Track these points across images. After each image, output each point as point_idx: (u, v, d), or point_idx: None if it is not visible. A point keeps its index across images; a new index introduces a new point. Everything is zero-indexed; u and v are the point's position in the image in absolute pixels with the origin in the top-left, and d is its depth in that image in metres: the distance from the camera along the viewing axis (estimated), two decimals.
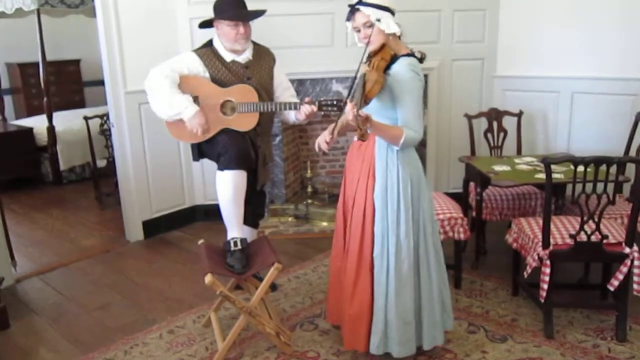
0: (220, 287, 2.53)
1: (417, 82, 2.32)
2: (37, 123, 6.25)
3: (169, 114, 2.88)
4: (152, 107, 2.93)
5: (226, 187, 2.81)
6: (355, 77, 2.29)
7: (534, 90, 4.44)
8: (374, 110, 2.33)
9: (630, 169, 3.22)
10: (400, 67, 2.31)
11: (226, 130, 2.90)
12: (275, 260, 2.60)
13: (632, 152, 3.57)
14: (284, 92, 3.13)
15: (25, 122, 6.54)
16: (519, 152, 4.16)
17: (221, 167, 2.83)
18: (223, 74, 2.94)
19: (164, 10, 4.19)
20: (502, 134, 4.12)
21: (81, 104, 7.70)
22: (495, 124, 4.12)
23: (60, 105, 7.01)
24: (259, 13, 2.96)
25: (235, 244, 2.77)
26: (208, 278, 2.47)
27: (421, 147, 4.49)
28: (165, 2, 4.19)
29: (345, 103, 2.29)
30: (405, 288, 2.42)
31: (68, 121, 6.34)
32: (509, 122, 4.15)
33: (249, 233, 3.16)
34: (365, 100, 2.15)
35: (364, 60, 2.33)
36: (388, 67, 2.32)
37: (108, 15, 3.92)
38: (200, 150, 3.06)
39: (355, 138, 2.56)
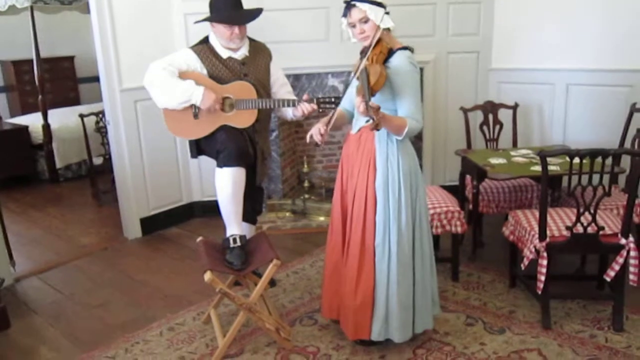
0: (220, 284, 2.54)
1: (416, 74, 2.41)
2: (33, 121, 6.23)
3: (176, 103, 2.85)
4: (157, 102, 2.90)
5: (225, 184, 2.81)
6: (355, 73, 2.35)
7: (529, 83, 4.44)
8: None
9: (626, 159, 3.25)
10: (400, 60, 2.37)
11: (225, 127, 2.90)
12: (274, 256, 2.61)
13: (627, 143, 3.58)
14: (280, 88, 3.14)
15: (20, 120, 6.50)
16: (514, 144, 4.18)
17: (220, 165, 2.83)
18: (220, 70, 2.94)
19: (158, 6, 4.17)
20: (497, 127, 4.13)
21: (76, 101, 7.66)
22: (491, 117, 4.12)
23: (55, 102, 6.97)
24: (254, 15, 2.95)
25: (235, 240, 2.78)
26: (207, 275, 2.48)
27: (417, 141, 4.50)
28: None
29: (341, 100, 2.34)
30: (406, 275, 2.49)
31: (63, 118, 6.31)
32: (504, 115, 4.15)
33: (247, 229, 3.18)
34: (371, 93, 2.19)
35: (361, 55, 2.39)
36: (385, 60, 2.37)
37: (102, 12, 3.90)
38: (198, 147, 3.06)
39: (352, 131, 2.58)
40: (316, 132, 2.45)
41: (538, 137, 4.52)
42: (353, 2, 2.36)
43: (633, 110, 3.63)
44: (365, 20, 2.35)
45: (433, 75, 4.52)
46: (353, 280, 2.51)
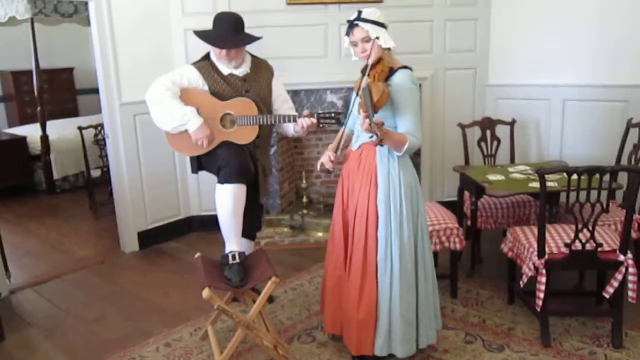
0: (218, 301, 2.52)
1: (417, 93, 2.46)
2: (31, 132, 6.23)
3: (172, 126, 2.86)
4: (155, 120, 2.91)
5: (226, 201, 2.81)
6: (357, 91, 2.41)
7: (526, 99, 4.47)
8: None
9: (623, 175, 3.26)
10: (402, 79, 2.41)
11: (226, 143, 2.90)
12: (273, 274, 2.60)
13: (624, 159, 3.60)
14: (282, 104, 3.14)
15: (19, 130, 6.51)
16: (512, 160, 4.19)
17: (222, 181, 2.83)
18: (222, 87, 2.95)
19: (158, 21, 4.20)
20: (495, 143, 4.14)
21: (75, 113, 7.69)
22: (488, 133, 4.14)
23: (54, 113, 7.00)
24: (245, 41, 2.94)
25: (234, 257, 2.76)
26: (206, 292, 2.47)
27: (415, 157, 4.49)
28: (160, 13, 4.20)
29: (341, 115, 2.37)
30: (409, 290, 2.50)
31: (62, 130, 6.32)
32: (502, 131, 4.17)
33: (246, 245, 3.16)
34: (374, 110, 2.21)
35: (363, 74, 2.43)
36: (387, 79, 2.40)
37: (102, 26, 3.92)
38: (199, 163, 3.06)
39: (353, 148, 2.61)
40: (327, 159, 2.53)
41: (536, 153, 4.54)
42: (356, 22, 2.40)
43: (629, 125, 3.65)
44: (368, 39, 2.40)
45: (431, 92, 4.54)
46: (356, 296, 2.52)
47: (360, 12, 2.42)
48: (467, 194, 3.70)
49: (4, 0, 5.60)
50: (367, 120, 2.16)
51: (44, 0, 5.55)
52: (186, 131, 2.86)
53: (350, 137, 2.67)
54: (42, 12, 5.65)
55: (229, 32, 2.89)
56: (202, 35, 2.94)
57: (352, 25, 2.42)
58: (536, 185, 3.12)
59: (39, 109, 5.91)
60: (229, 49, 2.89)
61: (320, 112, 2.79)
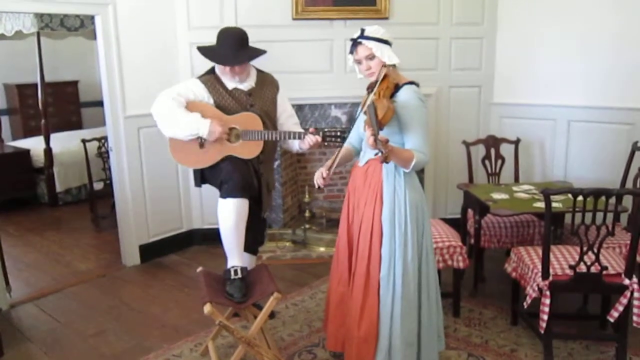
0: (220, 317, 2.50)
1: (423, 109, 2.44)
2: (34, 144, 6.25)
3: (183, 135, 2.86)
4: (164, 131, 2.91)
5: (228, 215, 2.80)
6: (362, 108, 2.40)
7: (530, 118, 4.48)
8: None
9: (628, 198, 3.24)
10: (407, 95, 2.39)
11: (229, 157, 2.90)
12: (275, 289, 2.58)
13: (629, 181, 3.58)
14: (287, 120, 3.14)
15: (22, 143, 6.52)
16: (516, 179, 4.18)
17: (224, 195, 2.82)
18: (226, 100, 2.96)
19: (164, 35, 4.23)
20: (499, 161, 4.14)
21: (78, 125, 7.69)
22: (492, 151, 4.14)
23: (58, 125, 7.00)
24: (250, 56, 2.94)
25: (236, 272, 2.75)
26: (207, 308, 2.45)
27: (419, 173, 4.48)
28: (166, 27, 4.23)
29: (346, 134, 2.36)
30: (411, 310, 2.46)
31: (65, 142, 6.33)
32: (506, 150, 4.17)
33: (248, 259, 3.14)
34: (380, 126, 2.21)
35: (369, 90, 2.42)
36: (392, 95, 2.39)
37: (109, 40, 3.94)
38: (202, 176, 3.06)
39: (359, 164, 2.60)
40: (318, 175, 2.50)
41: (539, 173, 4.53)
42: (359, 40, 2.40)
43: (635, 148, 3.64)
44: (371, 57, 2.40)
45: (435, 109, 4.54)
46: (357, 312, 2.49)
47: (363, 30, 2.42)
48: (470, 211, 3.69)
49: (10, 14, 5.64)
50: (373, 137, 2.15)
51: (50, 14, 5.56)
52: (190, 142, 2.87)
53: (349, 152, 2.64)
54: (48, 26, 5.66)
55: (232, 48, 2.89)
56: (205, 52, 2.95)
57: (355, 43, 2.42)
58: (540, 205, 3.11)
59: (42, 121, 5.92)
60: (231, 65, 2.90)
61: (326, 129, 2.78)
